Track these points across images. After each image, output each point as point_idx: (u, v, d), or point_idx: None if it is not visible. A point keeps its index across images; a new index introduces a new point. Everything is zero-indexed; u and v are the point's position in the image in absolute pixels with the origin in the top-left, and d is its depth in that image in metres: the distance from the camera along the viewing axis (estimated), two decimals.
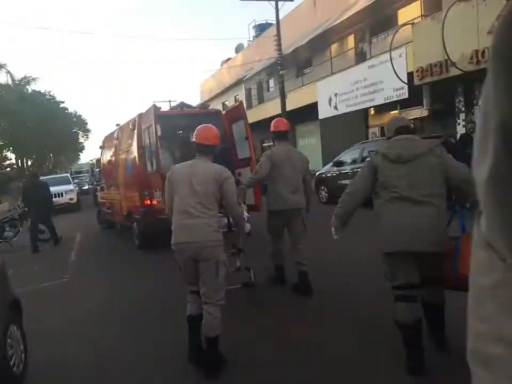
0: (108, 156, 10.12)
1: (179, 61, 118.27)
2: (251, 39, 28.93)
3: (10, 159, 34.44)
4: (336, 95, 17.13)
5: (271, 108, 21.20)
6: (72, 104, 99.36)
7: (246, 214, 4.29)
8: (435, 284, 2.72)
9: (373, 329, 3.36)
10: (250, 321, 3.83)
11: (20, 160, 33.12)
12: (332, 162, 12.16)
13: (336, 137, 17.35)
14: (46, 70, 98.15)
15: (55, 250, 8.94)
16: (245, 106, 32.71)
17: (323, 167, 14.39)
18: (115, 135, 9.34)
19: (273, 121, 4.68)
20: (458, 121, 13.03)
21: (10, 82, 29.59)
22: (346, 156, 11.50)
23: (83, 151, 44.38)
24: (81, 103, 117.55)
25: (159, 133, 6.82)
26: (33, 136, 28.95)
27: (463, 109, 12.93)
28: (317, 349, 3.19)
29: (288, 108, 18.34)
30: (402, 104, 14.30)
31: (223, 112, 8.60)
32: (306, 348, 3.23)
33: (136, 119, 7.63)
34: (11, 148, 31.20)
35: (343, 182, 9.89)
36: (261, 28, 27.17)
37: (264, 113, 22.81)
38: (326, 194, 11.69)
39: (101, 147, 11.04)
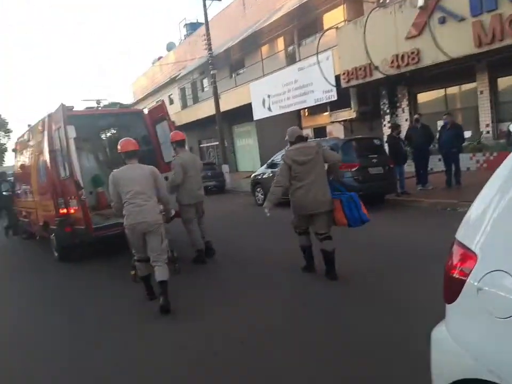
0: (21, 159, 9.18)
1: (110, 58, 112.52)
2: (183, 38, 28.31)
3: None
4: (269, 96, 17.23)
5: (207, 108, 20.85)
6: None
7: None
8: (327, 238, 4.53)
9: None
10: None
11: None
12: (266, 164, 12.15)
13: (272, 138, 17.39)
14: None
15: None
16: (180, 106, 31.51)
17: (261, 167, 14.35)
18: (26, 137, 8.49)
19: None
20: (384, 123, 13.68)
21: None
22: (279, 158, 11.51)
23: (5, 153, 40.34)
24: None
25: (73, 135, 6.21)
26: None
27: (388, 111, 13.58)
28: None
29: (224, 108, 18.11)
30: (332, 106, 14.71)
31: (146, 112, 8.07)
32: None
33: (46, 119, 6.82)
34: None
35: None
36: (192, 27, 26.65)
37: (200, 113, 22.36)
38: (262, 196, 11.64)
39: (13, 150, 10.02)
